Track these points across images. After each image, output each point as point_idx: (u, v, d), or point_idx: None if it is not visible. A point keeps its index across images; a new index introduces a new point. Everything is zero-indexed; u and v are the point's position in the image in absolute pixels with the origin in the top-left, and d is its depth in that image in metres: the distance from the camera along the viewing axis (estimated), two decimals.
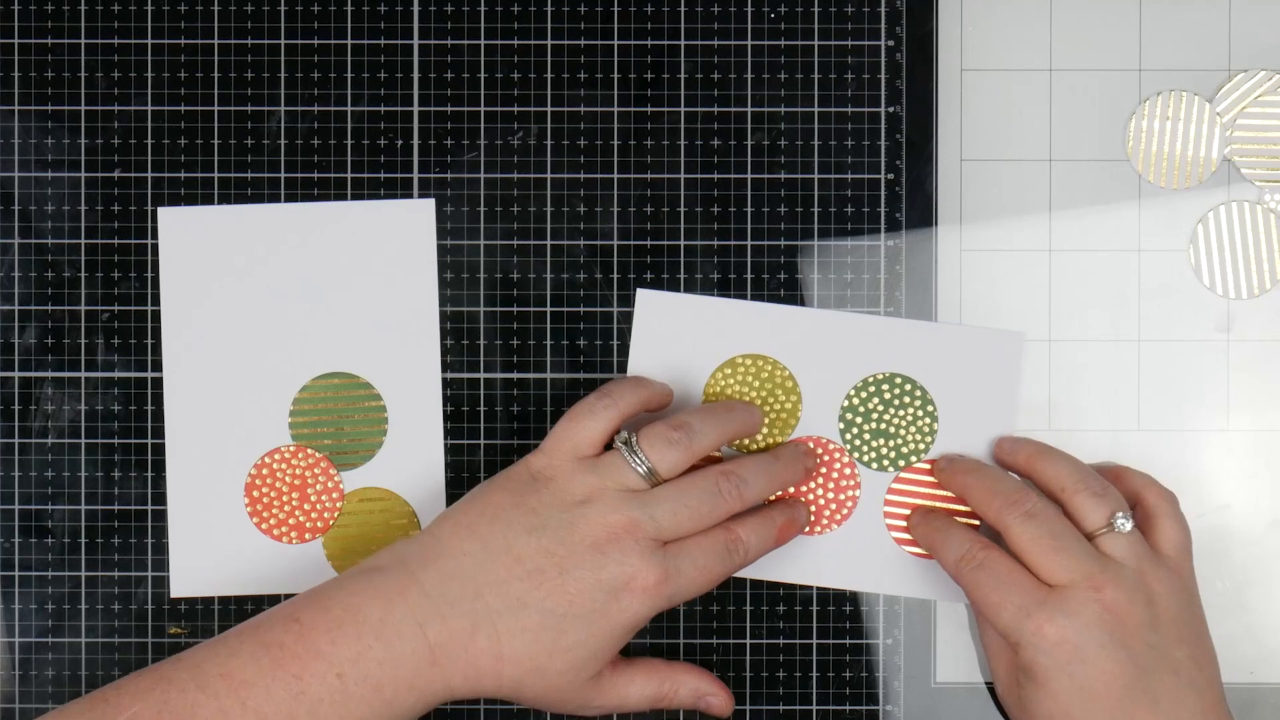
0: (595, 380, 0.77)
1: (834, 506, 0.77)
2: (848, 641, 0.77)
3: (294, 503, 0.76)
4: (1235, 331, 0.78)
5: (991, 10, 0.78)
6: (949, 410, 0.76)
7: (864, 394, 0.77)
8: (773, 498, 0.75)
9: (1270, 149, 0.78)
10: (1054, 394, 0.77)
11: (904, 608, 0.77)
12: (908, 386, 0.77)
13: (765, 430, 0.76)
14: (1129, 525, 0.70)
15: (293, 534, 0.76)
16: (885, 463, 0.77)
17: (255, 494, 0.76)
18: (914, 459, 0.76)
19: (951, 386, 0.76)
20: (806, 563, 0.76)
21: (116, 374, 0.77)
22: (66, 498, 0.77)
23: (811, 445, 0.76)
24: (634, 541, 0.69)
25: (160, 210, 0.76)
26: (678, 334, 0.77)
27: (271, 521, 0.76)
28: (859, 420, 0.77)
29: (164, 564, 0.77)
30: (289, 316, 0.76)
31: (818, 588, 0.77)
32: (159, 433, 0.77)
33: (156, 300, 0.77)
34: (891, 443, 0.77)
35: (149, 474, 0.77)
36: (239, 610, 0.76)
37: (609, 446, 0.71)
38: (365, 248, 0.76)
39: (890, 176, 0.77)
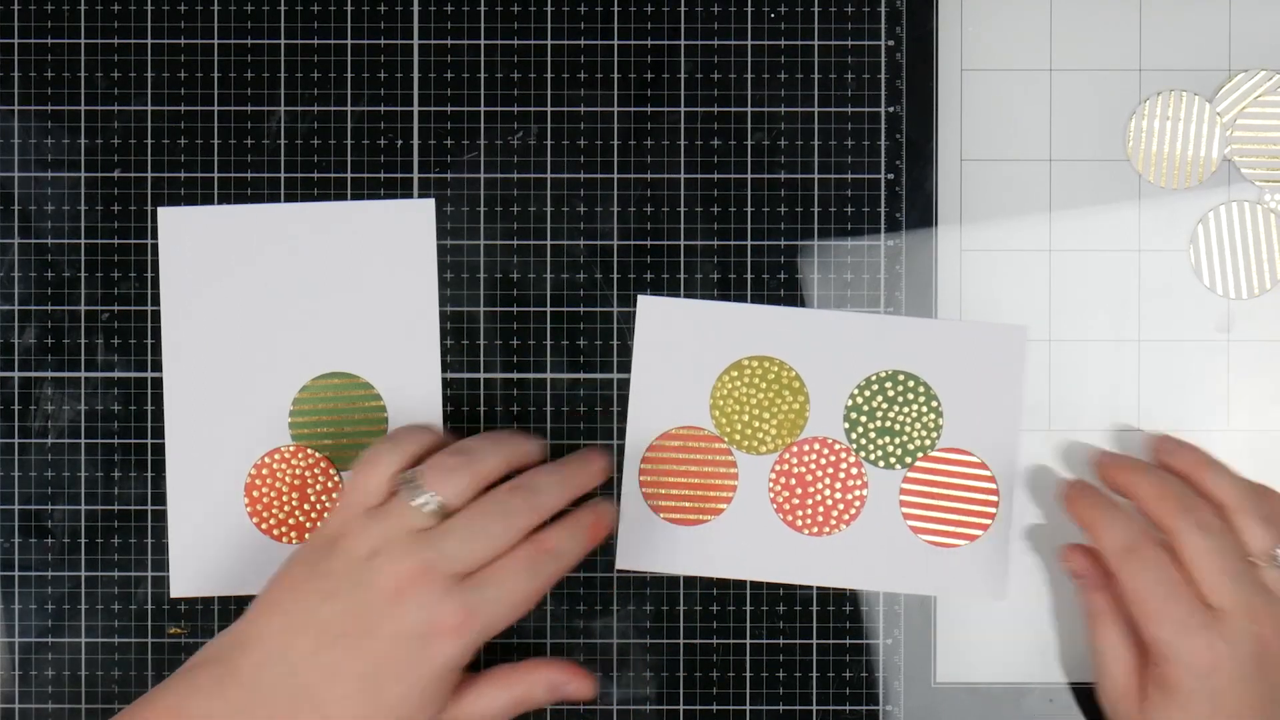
0: (595, 380, 0.77)
1: (842, 506, 0.77)
2: (848, 641, 0.77)
3: (294, 503, 0.76)
4: (1235, 331, 0.78)
5: (991, 10, 0.78)
6: (953, 406, 0.77)
7: (868, 393, 0.77)
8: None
9: (1270, 149, 0.78)
10: (1054, 394, 0.77)
11: (904, 608, 0.77)
12: (911, 384, 0.77)
13: (775, 432, 0.76)
14: None
15: (292, 534, 0.76)
16: (892, 460, 0.77)
17: (255, 494, 0.76)
18: (920, 455, 0.77)
19: (955, 382, 0.77)
20: (816, 564, 0.76)
21: (116, 374, 0.77)
22: (66, 498, 0.77)
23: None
24: (429, 584, 0.67)
25: (160, 210, 0.76)
26: (681, 339, 0.77)
27: (271, 521, 0.76)
28: (863, 419, 0.77)
29: (164, 564, 0.77)
30: (289, 316, 0.76)
31: (833, 589, 0.77)
32: (159, 433, 0.77)
33: (156, 300, 0.77)
34: (897, 440, 0.77)
35: (149, 474, 0.77)
36: (238, 610, 0.76)
37: (396, 492, 0.70)
38: (365, 248, 0.76)
39: (890, 176, 0.77)
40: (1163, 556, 0.69)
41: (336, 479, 0.76)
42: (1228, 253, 0.78)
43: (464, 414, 0.77)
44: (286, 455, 0.76)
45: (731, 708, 0.77)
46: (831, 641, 0.77)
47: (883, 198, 0.77)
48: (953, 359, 0.77)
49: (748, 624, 0.77)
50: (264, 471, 0.76)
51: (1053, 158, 0.78)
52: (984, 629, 0.77)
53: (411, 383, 0.76)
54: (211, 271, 0.76)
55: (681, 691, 0.77)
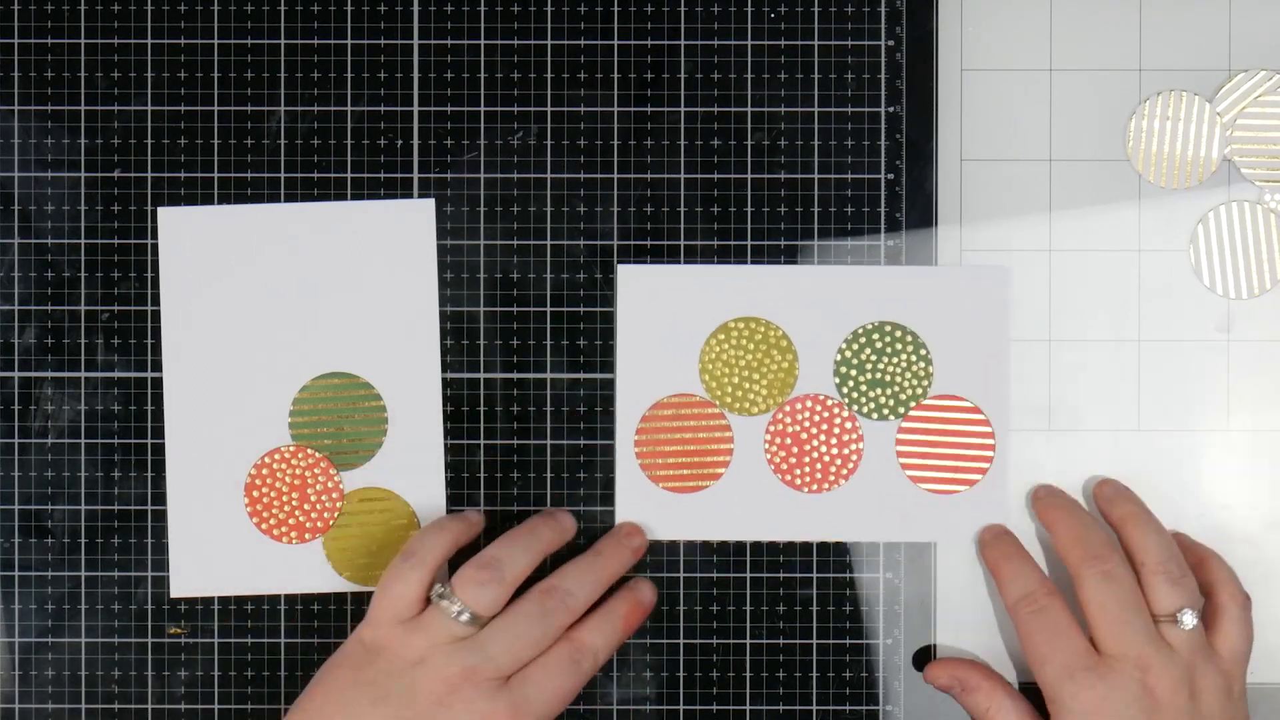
0: (595, 380, 0.77)
1: (839, 462, 0.77)
2: (848, 641, 0.77)
3: (294, 503, 0.76)
4: (1235, 331, 0.78)
5: (991, 10, 0.78)
6: (942, 353, 0.77)
7: (855, 345, 0.77)
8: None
9: (1270, 149, 0.78)
10: (1054, 394, 0.77)
11: (904, 608, 0.77)
12: (898, 333, 0.77)
13: (765, 392, 0.77)
14: (1193, 623, 0.71)
15: (292, 534, 0.76)
16: (885, 411, 0.77)
17: (255, 494, 0.76)
18: (913, 404, 0.77)
19: (941, 329, 0.77)
20: (818, 521, 0.77)
21: (116, 374, 0.77)
22: (66, 498, 0.77)
23: (629, 529, 0.76)
24: (475, 687, 0.69)
25: (160, 210, 0.76)
26: (665, 306, 0.77)
27: (271, 521, 0.76)
28: (854, 373, 0.77)
29: (164, 564, 0.77)
30: (289, 316, 0.76)
31: (835, 543, 0.77)
32: (159, 433, 0.77)
33: (156, 300, 0.77)
34: (889, 391, 0.77)
35: (149, 474, 0.77)
36: (239, 609, 0.76)
37: (430, 601, 0.72)
38: (365, 248, 0.76)
39: (890, 176, 0.77)
40: (1055, 603, 0.72)
41: (337, 478, 0.76)
42: (1228, 253, 0.78)
43: (464, 414, 0.77)
44: (286, 455, 0.76)
45: (731, 708, 0.77)
46: (831, 641, 0.77)
47: (883, 198, 0.77)
48: (938, 306, 0.77)
49: (748, 624, 0.77)
50: (264, 471, 0.76)
51: (1053, 158, 0.78)
52: (984, 629, 0.77)
53: (411, 383, 0.76)
54: (211, 271, 0.76)
55: (681, 691, 0.77)
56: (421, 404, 0.77)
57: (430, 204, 0.77)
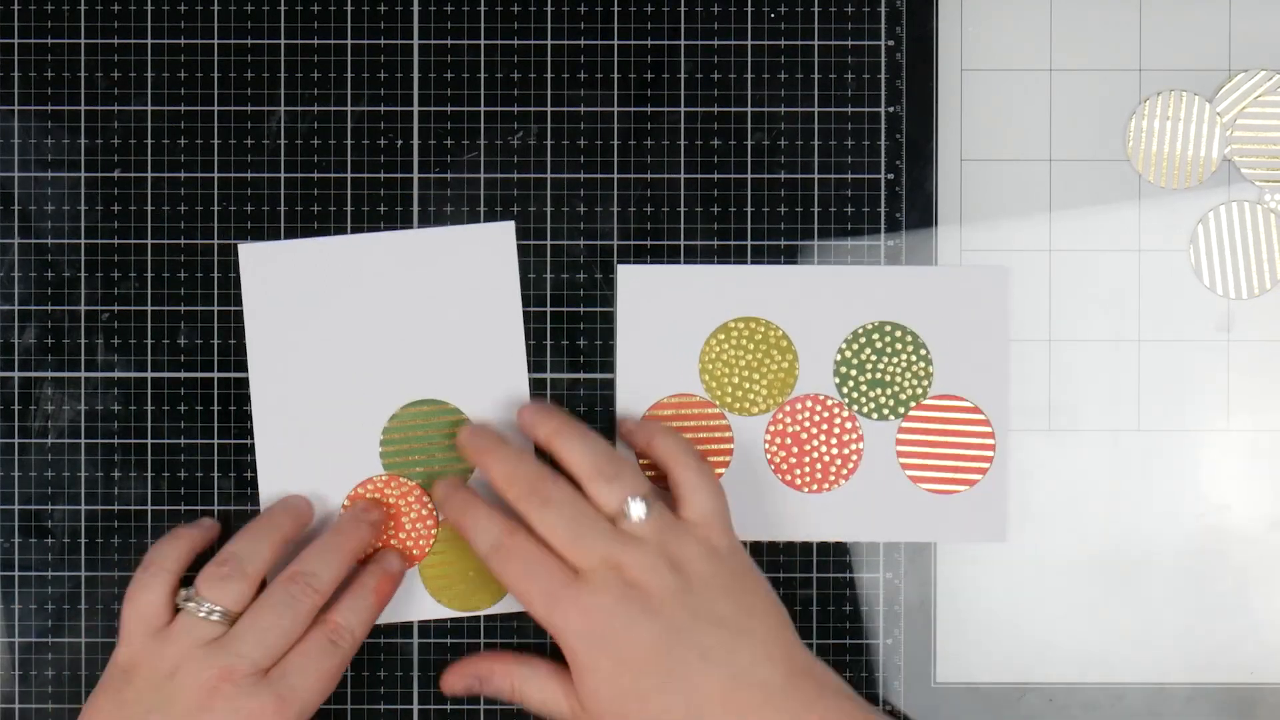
0: (595, 380, 0.77)
1: (839, 462, 0.77)
2: (848, 641, 0.77)
3: (389, 532, 0.76)
4: (1235, 331, 0.78)
5: (991, 10, 0.78)
6: (942, 353, 0.77)
7: (855, 346, 0.77)
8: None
9: (1270, 149, 0.78)
10: (1054, 394, 0.77)
11: (904, 608, 0.77)
12: (898, 333, 0.77)
13: (765, 392, 0.77)
14: (642, 508, 0.71)
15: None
16: (885, 411, 0.77)
17: None
18: (913, 404, 0.77)
19: (941, 329, 0.77)
20: (818, 521, 0.77)
21: (116, 374, 0.77)
22: (66, 498, 0.77)
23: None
24: (235, 685, 0.69)
25: (240, 246, 0.76)
26: (664, 306, 0.77)
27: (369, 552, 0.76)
28: (854, 373, 0.77)
29: None
30: (375, 346, 0.76)
31: (835, 543, 0.77)
32: (159, 433, 0.77)
33: (155, 300, 0.77)
34: (889, 391, 0.77)
35: (149, 474, 0.77)
36: None
37: (178, 609, 0.72)
38: (447, 273, 0.76)
39: (890, 176, 0.77)
40: (519, 540, 0.71)
41: (430, 507, 0.76)
42: (1228, 253, 0.78)
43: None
44: (379, 485, 0.76)
45: None
46: (831, 642, 0.77)
47: (883, 198, 0.77)
48: (938, 306, 0.77)
49: None
50: (359, 503, 0.76)
51: (1053, 158, 0.78)
52: (984, 629, 0.78)
53: (500, 405, 0.76)
54: (294, 306, 0.76)
55: None
56: (510, 427, 0.76)
57: (510, 226, 0.77)
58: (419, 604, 0.76)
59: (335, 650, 0.72)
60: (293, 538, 0.74)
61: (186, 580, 0.73)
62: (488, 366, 0.76)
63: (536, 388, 0.77)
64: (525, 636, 0.77)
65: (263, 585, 0.72)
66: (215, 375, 0.77)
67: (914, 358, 0.77)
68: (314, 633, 0.72)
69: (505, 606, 0.77)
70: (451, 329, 0.76)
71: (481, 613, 0.77)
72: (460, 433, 0.75)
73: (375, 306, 0.76)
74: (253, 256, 0.76)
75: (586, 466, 0.72)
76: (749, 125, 0.77)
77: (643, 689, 0.69)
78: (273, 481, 0.76)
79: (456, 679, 0.74)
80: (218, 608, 0.70)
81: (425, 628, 0.77)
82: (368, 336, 0.76)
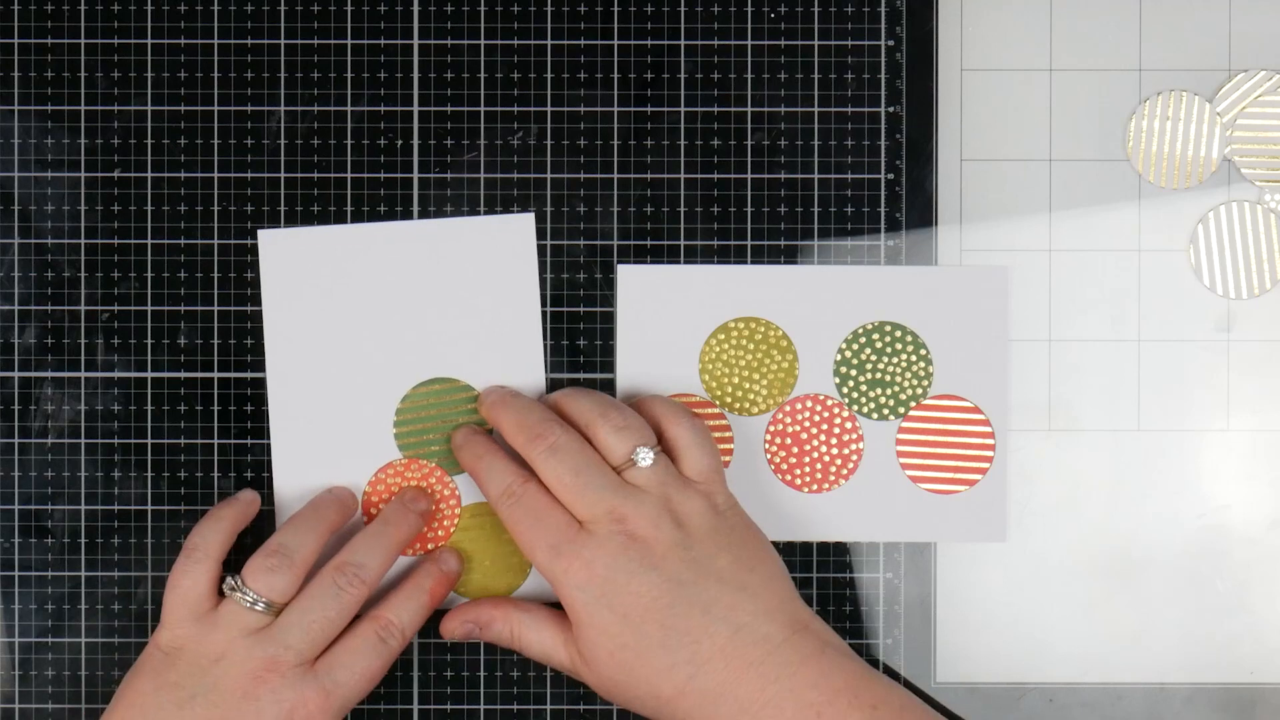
0: (595, 380, 0.77)
1: (839, 462, 0.77)
2: (848, 641, 0.77)
3: None
4: (1235, 331, 0.78)
5: (991, 10, 0.78)
6: (942, 353, 0.77)
7: (855, 345, 0.77)
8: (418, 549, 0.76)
9: (1270, 149, 0.78)
10: (1054, 394, 0.77)
11: (904, 608, 0.77)
12: (898, 333, 0.77)
13: (765, 392, 0.77)
14: (650, 457, 0.71)
15: (415, 545, 0.76)
16: (885, 411, 0.77)
17: (374, 512, 0.76)
18: (913, 404, 0.77)
19: (941, 329, 0.77)
20: (818, 521, 0.77)
21: (116, 374, 0.77)
22: (66, 498, 0.77)
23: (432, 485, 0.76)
24: (280, 676, 0.69)
25: (260, 232, 0.76)
26: (664, 306, 0.77)
27: None
28: (854, 373, 0.77)
29: (164, 564, 0.76)
30: (389, 328, 0.76)
31: (835, 543, 0.77)
32: (159, 433, 0.77)
33: (155, 300, 0.77)
34: (889, 391, 0.77)
35: (149, 474, 0.77)
36: None
37: (223, 595, 0.71)
38: (466, 262, 0.76)
39: (890, 176, 0.77)
40: (530, 489, 0.71)
41: (453, 484, 0.76)
42: (1228, 253, 0.78)
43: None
44: (400, 469, 0.76)
45: None
46: None
47: (883, 198, 0.77)
48: (938, 306, 0.77)
49: None
50: (379, 488, 0.76)
51: (1053, 158, 0.78)
52: (984, 629, 0.78)
53: (516, 384, 0.76)
54: (311, 291, 0.76)
55: None
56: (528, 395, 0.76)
57: (530, 218, 0.77)
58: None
59: (384, 647, 0.72)
60: (338, 528, 0.74)
61: (230, 563, 0.73)
62: (503, 347, 0.76)
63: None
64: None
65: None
66: (215, 375, 0.77)
67: (914, 358, 0.77)
68: (364, 627, 0.72)
69: (522, 595, 0.77)
70: (468, 313, 0.76)
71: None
72: (482, 392, 0.75)
73: (390, 292, 0.76)
74: (271, 242, 0.76)
75: (595, 414, 0.72)
76: (749, 125, 0.77)
77: (643, 643, 0.69)
78: (288, 468, 0.76)
79: (456, 624, 0.74)
80: (263, 599, 0.70)
81: (425, 628, 0.77)
82: (382, 320, 0.76)
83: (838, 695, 0.69)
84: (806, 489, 0.77)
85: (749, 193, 0.77)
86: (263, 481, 0.77)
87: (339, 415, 0.76)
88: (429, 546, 0.76)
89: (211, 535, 0.72)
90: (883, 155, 0.77)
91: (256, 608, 0.70)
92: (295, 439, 0.76)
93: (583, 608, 0.70)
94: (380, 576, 0.73)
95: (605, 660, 0.70)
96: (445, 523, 0.76)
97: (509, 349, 0.76)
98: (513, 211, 0.77)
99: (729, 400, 0.77)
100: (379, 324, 0.76)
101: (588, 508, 0.70)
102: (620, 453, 0.71)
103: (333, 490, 0.75)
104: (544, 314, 0.77)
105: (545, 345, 0.77)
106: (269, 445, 0.76)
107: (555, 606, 0.73)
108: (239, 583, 0.71)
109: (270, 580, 0.71)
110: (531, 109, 0.77)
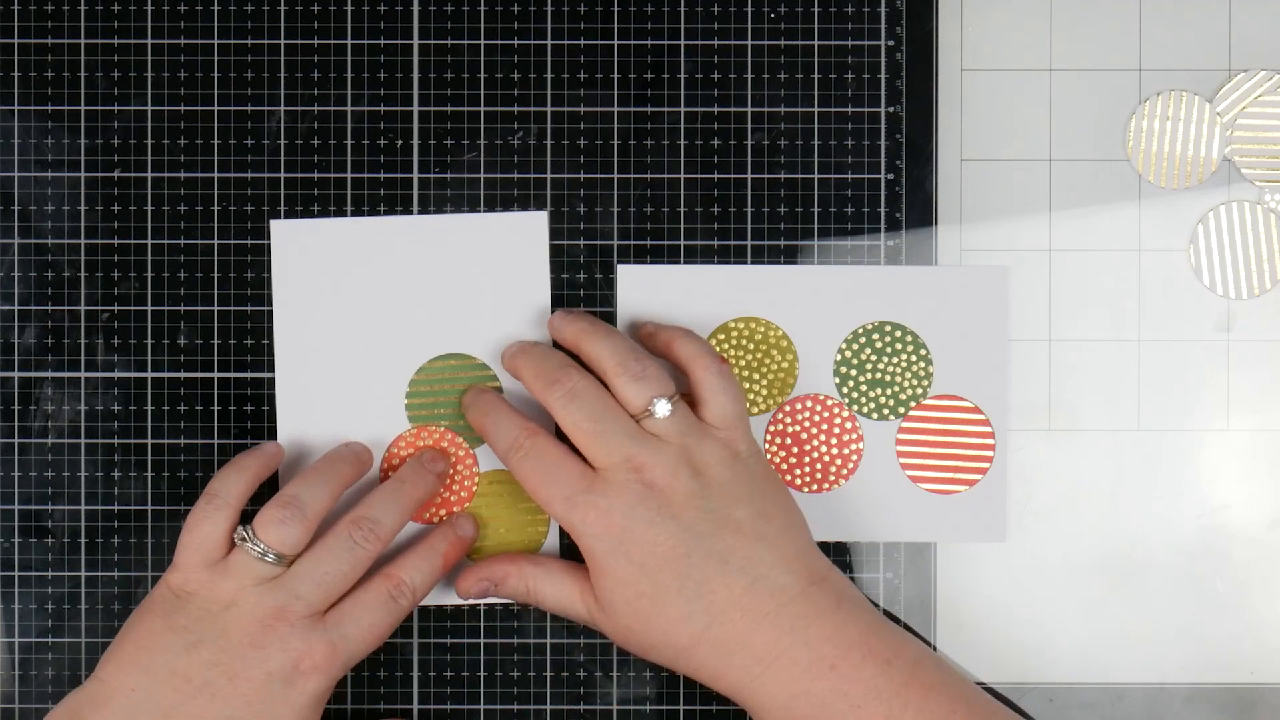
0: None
1: (839, 462, 0.77)
2: None
3: None
4: (1235, 331, 0.78)
5: (991, 10, 0.78)
6: (942, 352, 0.77)
7: (855, 345, 0.77)
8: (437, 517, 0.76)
9: (1270, 149, 0.78)
10: (1054, 394, 0.77)
11: (904, 608, 0.77)
12: (898, 333, 0.77)
13: (765, 392, 0.77)
14: (667, 408, 0.71)
15: (442, 512, 0.76)
16: (885, 411, 0.77)
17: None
18: (913, 404, 0.77)
19: (942, 328, 0.77)
20: (818, 521, 0.76)
21: (116, 374, 0.77)
22: (66, 498, 0.77)
23: (446, 446, 0.76)
24: (289, 625, 0.69)
25: (273, 223, 0.76)
26: (664, 306, 0.77)
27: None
28: (854, 373, 0.77)
29: (163, 564, 0.76)
30: (400, 312, 0.76)
31: (835, 543, 0.77)
32: (159, 433, 0.77)
33: (155, 300, 0.77)
34: (889, 391, 0.77)
35: (149, 474, 0.77)
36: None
37: (235, 544, 0.71)
38: (478, 256, 0.76)
39: (890, 176, 0.77)
40: (539, 441, 0.71)
41: (470, 450, 0.76)
42: (1228, 253, 0.78)
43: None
44: (409, 438, 0.76)
45: (731, 708, 0.77)
46: None
47: (883, 198, 0.77)
48: (937, 306, 0.77)
49: None
50: (395, 461, 0.76)
51: (1053, 158, 0.78)
52: (984, 629, 0.78)
53: None
54: (323, 280, 0.76)
55: (681, 691, 0.77)
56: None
57: (543, 215, 0.77)
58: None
59: (394, 606, 0.72)
60: (352, 483, 0.74)
61: (247, 514, 0.73)
62: (514, 330, 0.76)
63: None
64: (525, 636, 0.77)
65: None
66: (215, 375, 0.77)
67: (914, 358, 0.77)
68: (375, 584, 0.72)
69: None
70: (479, 306, 0.76)
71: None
72: (504, 352, 0.75)
73: (400, 284, 0.76)
74: (283, 232, 0.76)
75: (613, 363, 0.72)
76: (749, 125, 0.77)
77: (660, 592, 0.69)
78: (296, 441, 0.76)
79: (471, 583, 0.74)
80: (273, 550, 0.70)
81: (425, 628, 0.77)
82: (392, 308, 0.76)
83: (852, 648, 0.69)
84: (806, 489, 0.77)
85: (749, 193, 0.77)
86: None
87: (350, 394, 0.76)
88: (443, 513, 0.76)
89: (233, 483, 0.72)
90: (883, 155, 0.77)
91: (267, 559, 0.70)
92: (305, 420, 0.76)
93: (601, 556, 0.70)
94: (395, 534, 0.72)
95: (622, 609, 0.70)
96: (462, 489, 0.76)
97: (519, 330, 0.76)
98: (513, 211, 0.77)
99: None
100: (389, 311, 0.76)
101: (606, 454, 0.70)
102: (638, 403, 0.71)
103: (349, 444, 0.75)
104: (546, 314, 0.77)
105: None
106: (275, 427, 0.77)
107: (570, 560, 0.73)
108: (250, 534, 0.71)
109: (281, 532, 0.70)
110: (531, 109, 0.77)
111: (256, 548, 0.70)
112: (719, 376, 0.72)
